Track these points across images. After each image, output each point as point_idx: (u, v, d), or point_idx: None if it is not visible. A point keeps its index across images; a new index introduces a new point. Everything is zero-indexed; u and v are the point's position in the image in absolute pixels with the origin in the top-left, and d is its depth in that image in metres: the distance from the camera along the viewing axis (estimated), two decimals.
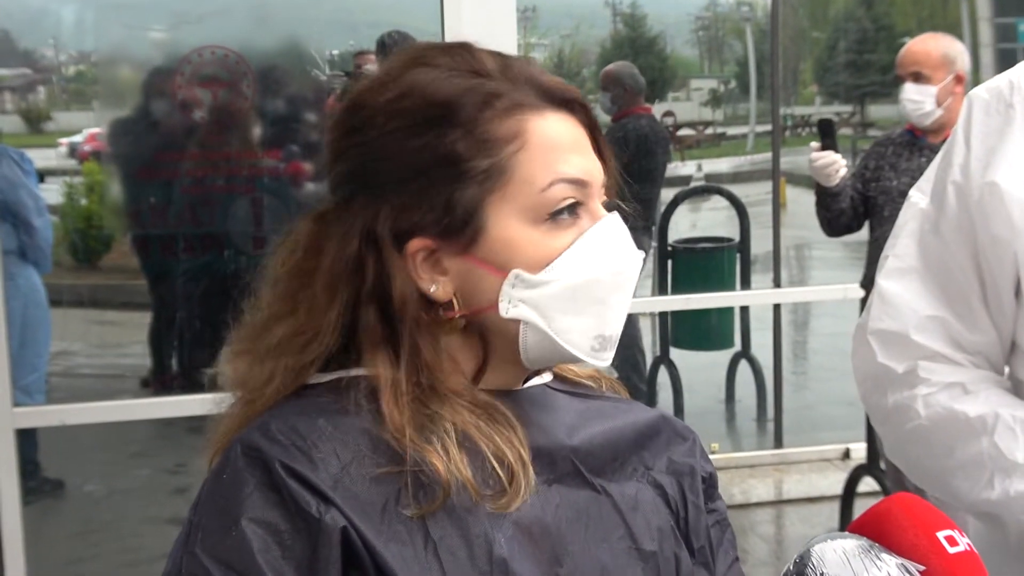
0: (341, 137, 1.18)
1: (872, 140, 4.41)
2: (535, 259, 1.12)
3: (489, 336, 1.16)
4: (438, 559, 1.06)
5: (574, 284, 1.13)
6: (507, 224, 1.12)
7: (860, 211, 4.23)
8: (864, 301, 3.08)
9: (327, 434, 1.09)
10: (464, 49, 1.17)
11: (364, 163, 1.16)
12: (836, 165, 4.08)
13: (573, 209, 1.14)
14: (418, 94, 1.14)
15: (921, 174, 4.22)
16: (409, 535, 1.06)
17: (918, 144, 4.12)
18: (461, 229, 1.13)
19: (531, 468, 1.12)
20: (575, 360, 1.17)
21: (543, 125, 1.14)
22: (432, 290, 1.14)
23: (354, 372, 1.15)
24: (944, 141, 4.10)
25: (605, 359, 1.17)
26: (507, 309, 1.13)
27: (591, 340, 1.15)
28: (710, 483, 1.31)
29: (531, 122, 1.13)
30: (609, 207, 1.18)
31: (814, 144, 4.14)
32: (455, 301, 1.14)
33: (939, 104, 4.03)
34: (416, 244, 1.13)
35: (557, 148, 1.14)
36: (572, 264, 1.13)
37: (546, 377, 1.26)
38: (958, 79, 4.06)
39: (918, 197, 1.68)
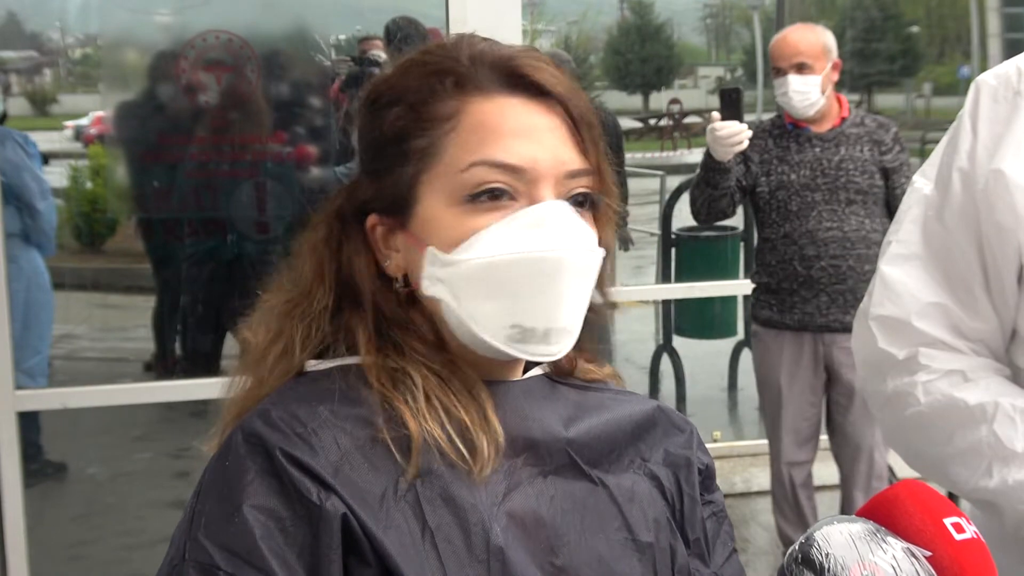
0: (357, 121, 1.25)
1: None
2: (448, 238, 1.13)
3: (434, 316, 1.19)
4: (435, 547, 1.07)
5: (481, 267, 1.11)
6: (432, 202, 1.15)
7: (738, 197, 4.15)
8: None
9: (327, 421, 1.10)
10: (456, 37, 1.20)
11: (358, 144, 1.24)
12: (741, 136, 3.91)
13: (497, 194, 1.12)
14: (390, 79, 1.20)
15: (819, 164, 4.26)
16: (406, 523, 1.07)
17: (804, 135, 4.08)
18: (401, 206, 1.17)
19: (496, 427, 1.13)
20: (493, 348, 1.14)
21: (484, 107, 1.14)
22: (386, 264, 1.19)
23: (350, 360, 1.17)
24: (829, 130, 4.12)
25: (533, 352, 1.14)
26: (428, 286, 1.16)
27: (505, 328, 1.12)
28: (707, 475, 1.31)
29: (471, 104, 1.15)
30: (582, 199, 1.16)
31: (715, 114, 3.96)
32: (399, 278, 1.19)
33: (822, 92, 4.04)
34: (371, 220, 1.19)
35: (491, 131, 1.13)
36: (483, 246, 1.11)
37: (544, 368, 1.26)
38: (835, 67, 4.08)
39: (922, 183, 1.68)
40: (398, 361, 1.16)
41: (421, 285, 1.16)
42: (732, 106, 3.96)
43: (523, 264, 1.11)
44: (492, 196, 1.12)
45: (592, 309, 1.21)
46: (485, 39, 1.20)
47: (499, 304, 1.12)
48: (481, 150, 1.12)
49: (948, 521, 1.09)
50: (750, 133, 3.96)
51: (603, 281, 1.25)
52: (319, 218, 1.23)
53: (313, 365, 1.19)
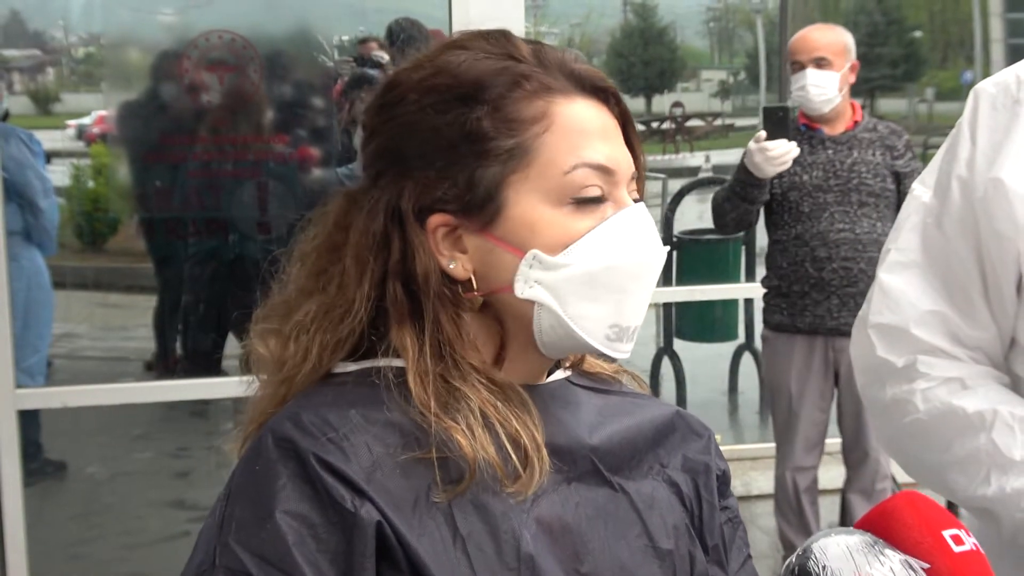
0: (375, 114, 1.20)
1: None
2: (554, 241, 1.12)
3: (506, 319, 1.16)
4: (466, 554, 1.06)
5: (592, 269, 1.12)
6: (528, 204, 1.13)
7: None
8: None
9: (359, 426, 1.09)
10: (501, 34, 1.18)
11: (394, 139, 1.17)
12: (790, 155, 3.93)
13: (600, 198, 1.13)
14: (450, 73, 1.15)
15: (832, 166, 4.25)
16: (438, 530, 1.06)
17: (818, 137, 4.10)
18: (482, 207, 1.13)
19: (545, 453, 1.12)
20: (589, 348, 1.15)
21: (571, 109, 1.14)
22: (451, 267, 1.15)
23: (382, 363, 1.14)
24: (842, 133, 4.12)
25: (622, 350, 1.15)
26: (522, 290, 1.13)
27: (606, 328, 1.13)
28: (723, 480, 1.30)
29: (559, 105, 1.14)
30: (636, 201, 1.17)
31: (762, 133, 3.95)
32: (473, 280, 1.15)
33: (839, 91, 4.06)
34: (437, 220, 1.14)
35: (583, 133, 1.14)
36: (592, 249, 1.12)
37: (567, 372, 1.26)
38: (852, 68, 4.11)
39: (921, 191, 1.68)
40: (452, 377, 1.13)
41: (514, 288, 1.13)
42: (780, 125, 3.95)
43: (629, 267, 1.13)
44: (596, 200, 1.13)
45: None
46: (526, 39, 1.19)
47: (604, 305, 1.13)
48: (579, 152, 1.13)
49: (947, 533, 1.09)
50: (797, 151, 3.96)
51: None
52: (359, 218, 1.17)
53: (341, 367, 1.17)
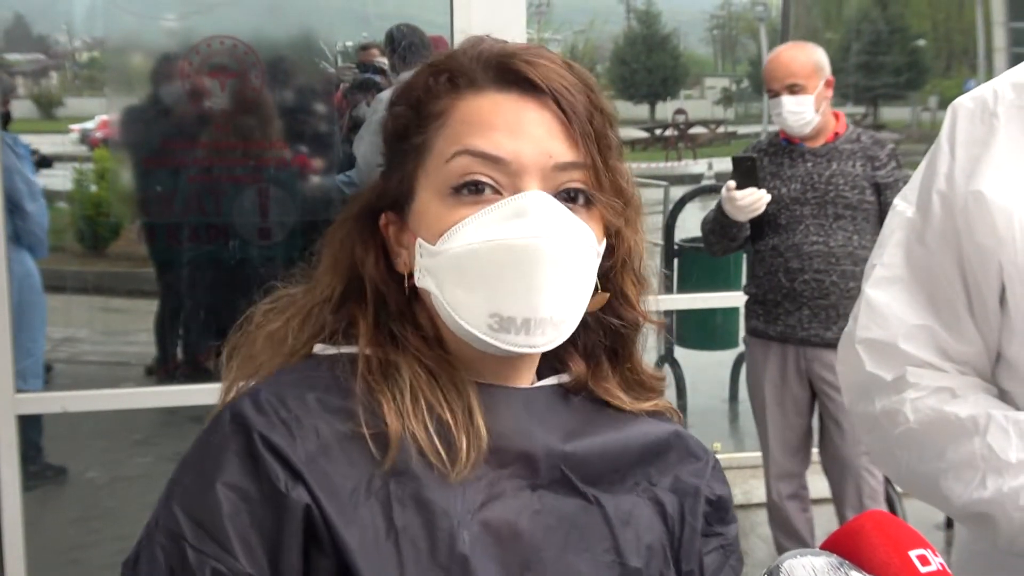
0: None
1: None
2: (434, 230, 1.14)
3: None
4: (397, 547, 1.07)
5: (459, 255, 1.12)
6: (424, 197, 1.17)
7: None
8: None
9: (313, 410, 1.11)
10: (473, 39, 1.22)
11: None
12: (761, 201, 4.02)
13: (479, 187, 1.13)
14: (405, 82, 1.23)
15: (809, 178, 4.33)
16: (372, 520, 1.07)
17: (798, 150, 4.14)
18: (403, 203, 1.19)
19: (480, 438, 1.13)
20: (474, 338, 1.13)
21: (473, 102, 1.16)
22: (397, 261, 1.21)
23: (348, 349, 1.18)
24: (822, 145, 4.19)
25: (515, 343, 1.12)
26: (419, 278, 1.17)
27: (485, 318, 1.11)
28: (720, 506, 1.29)
29: (461, 100, 1.16)
30: (574, 193, 1.15)
31: (731, 183, 4.03)
32: (406, 275, 1.20)
33: (816, 111, 4.09)
34: (383, 219, 1.22)
35: (479, 124, 1.14)
36: (462, 236, 1.12)
37: (560, 378, 1.25)
38: (827, 84, 4.13)
39: (903, 207, 1.68)
40: (393, 355, 1.17)
41: (415, 277, 1.17)
42: (748, 174, 4.04)
43: (499, 252, 1.10)
44: (473, 189, 1.13)
45: (616, 321, 1.24)
46: (499, 41, 1.21)
47: (479, 293, 1.12)
48: (464, 140, 1.13)
49: (913, 553, 1.09)
50: (768, 198, 4.03)
51: (625, 292, 1.25)
52: (341, 216, 1.25)
53: (320, 349, 1.20)
